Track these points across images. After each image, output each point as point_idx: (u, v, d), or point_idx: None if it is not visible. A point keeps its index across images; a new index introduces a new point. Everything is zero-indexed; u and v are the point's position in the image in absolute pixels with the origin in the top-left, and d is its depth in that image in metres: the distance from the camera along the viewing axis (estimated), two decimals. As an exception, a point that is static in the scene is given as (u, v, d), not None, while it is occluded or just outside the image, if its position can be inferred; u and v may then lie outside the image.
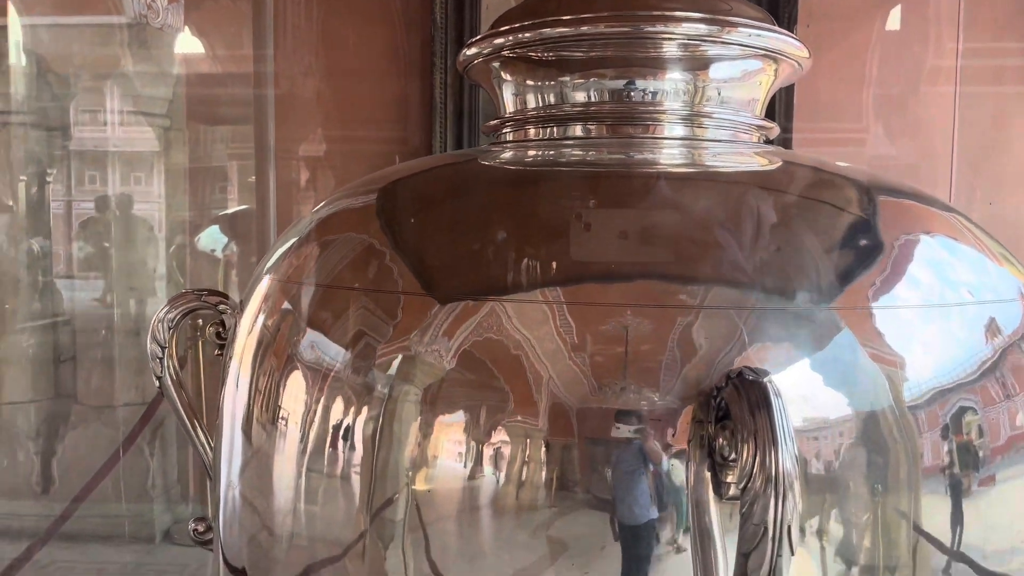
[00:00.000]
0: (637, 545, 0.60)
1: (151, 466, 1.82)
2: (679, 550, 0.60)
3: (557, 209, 0.64)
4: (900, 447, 0.63)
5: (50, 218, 2.29)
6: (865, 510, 0.61)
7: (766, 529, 0.41)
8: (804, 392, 0.59)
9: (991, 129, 1.98)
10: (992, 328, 0.69)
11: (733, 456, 0.46)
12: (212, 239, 2.44)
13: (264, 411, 0.76)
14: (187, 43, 2.22)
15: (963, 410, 0.66)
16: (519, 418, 0.62)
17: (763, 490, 0.42)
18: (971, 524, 0.65)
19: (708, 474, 0.50)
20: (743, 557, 0.42)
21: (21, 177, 2.26)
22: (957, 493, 0.65)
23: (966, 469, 0.65)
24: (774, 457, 0.42)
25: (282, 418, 0.74)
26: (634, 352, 0.59)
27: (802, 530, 0.59)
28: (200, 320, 1.75)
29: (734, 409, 0.45)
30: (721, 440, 0.48)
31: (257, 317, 0.80)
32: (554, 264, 0.62)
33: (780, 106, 1.78)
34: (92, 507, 1.76)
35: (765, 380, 0.45)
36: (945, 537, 0.65)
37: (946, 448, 0.65)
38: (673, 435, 0.55)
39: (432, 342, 0.64)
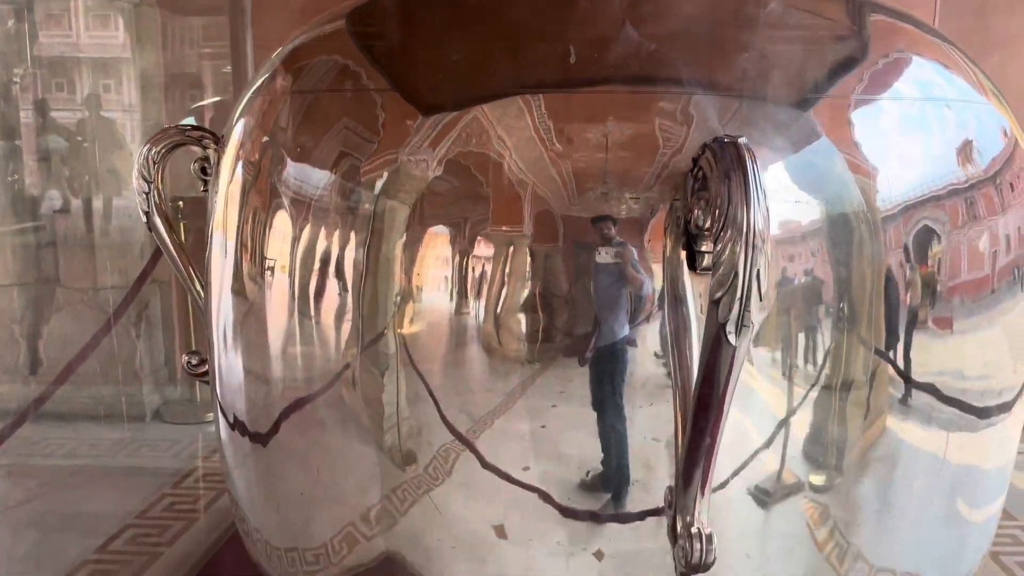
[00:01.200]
0: (612, 359, 0.62)
1: (138, 348, 1.85)
2: (654, 361, 0.63)
3: (536, 11, 0.64)
4: (867, 264, 0.65)
5: (19, 123, 2.24)
6: (828, 325, 0.64)
7: (736, 275, 0.44)
8: (779, 194, 0.60)
9: (974, 15, 1.97)
10: (967, 151, 0.71)
11: (708, 224, 0.48)
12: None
13: (252, 264, 0.76)
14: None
15: (929, 233, 0.68)
16: (504, 228, 0.63)
17: (734, 243, 0.44)
18: (927, 352, 0.68)
19: (683, 252, 0.53)
20: (713, 305, 0.45)
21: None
22: (913, 321, 0.67)
23: (926, 300, 0.67)
24: (746, 211, 0.44)
25: (268, 268, 0.75)
26: (614, 156, 0.60)
27: (764, 341, 0.61)
28: (181, 203, 1.74)
29: (710, 173, 0.47)
30: (696, 211, 0.50)
31: (236, 164, 0.79)
32: (536, 68, 0.62)
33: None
34: (82, 389, 1.79)
35: (740, 140, 0.47)
36: (900, 361, 0.67)
37: (909, 272, 0.67)
38: (652, 222, 0.56)
39: (416, 153, 0.64)
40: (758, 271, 0.43)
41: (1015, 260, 0.73)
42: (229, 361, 0.82)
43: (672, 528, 0.54)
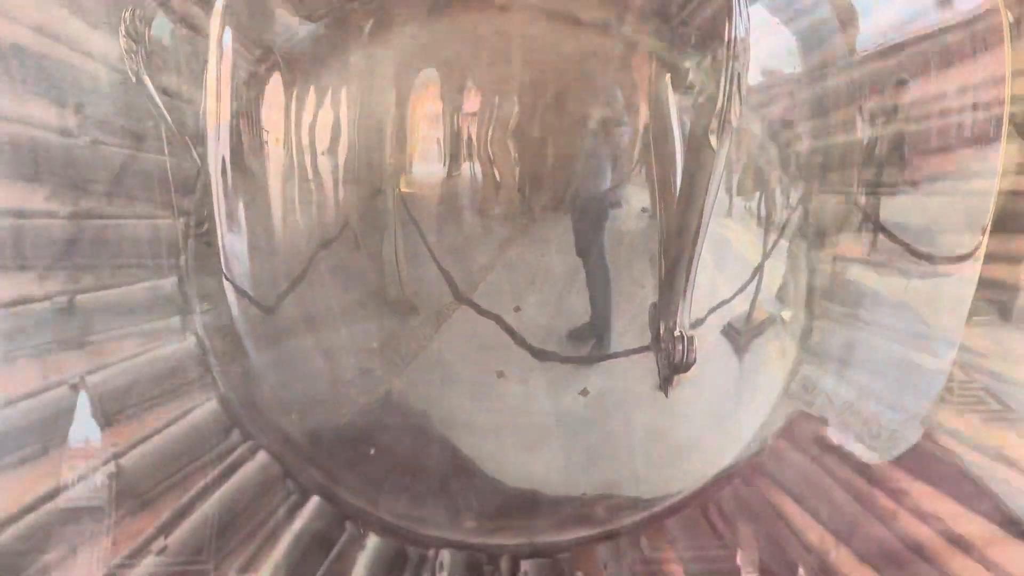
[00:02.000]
0: (596, 208, 0.64)
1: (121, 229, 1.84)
2: (637, 211, 0.65)
3: None
4: (841, 110, 0.67)
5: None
6: (802, 168, 0.66)
7: (718, 81, 0.46)
8: (760, 36, 0.62)
9: None
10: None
11: (693, 40, 0.50)
12: (162, 27, 2.32)
13: (250, 135, 0.76)
14: None
15: (902, 81, 0.70)
16: (492, 68, 0.64)
17: (716, 51, 0.47)
18: (893, 202, 0.71)
19: (668, 76, 0.55)
20: (696, 109, 0.48)
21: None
22: (881, 170, 0.69)
23: (895, 154, 0.70)
24: (728, 21, 0.46)
25: (264, 140, 0.75)
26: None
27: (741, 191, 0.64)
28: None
29: (696, -10, 0.49)
30: (681, 29, 0.52)
31: (223, 33, 0.79)
32: None
33: None
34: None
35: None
36: (871, 209, 0.70)
37: (881, 122, 0.69)
38: (638, 52, 0.58)
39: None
40: (739, 75, 0.46)
41: (980, 135, 0.76)
42: (233, 232, 0.83)
43: (656, 336, 0.58)
